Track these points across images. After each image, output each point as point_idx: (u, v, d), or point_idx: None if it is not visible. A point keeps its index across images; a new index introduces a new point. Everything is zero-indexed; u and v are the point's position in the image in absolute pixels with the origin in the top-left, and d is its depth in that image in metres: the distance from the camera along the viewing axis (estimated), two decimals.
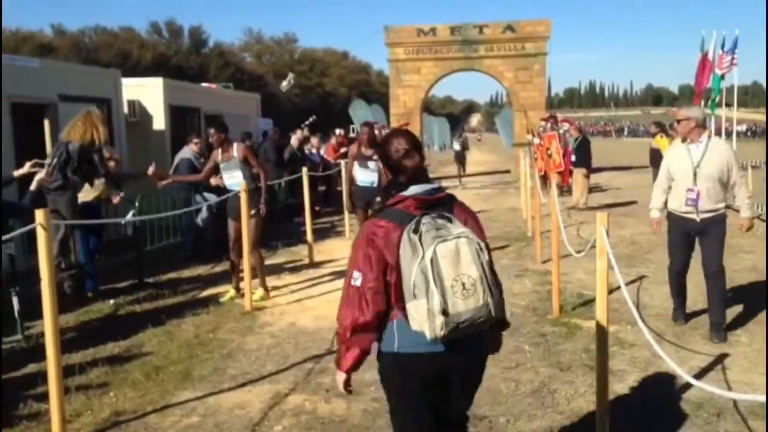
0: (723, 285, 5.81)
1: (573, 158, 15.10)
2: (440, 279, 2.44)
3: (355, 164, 8.37)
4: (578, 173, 14.73)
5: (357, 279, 2.60)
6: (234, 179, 7.31)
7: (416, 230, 2.52)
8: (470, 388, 2.91)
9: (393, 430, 2.85)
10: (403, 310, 2.55)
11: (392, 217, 2.64)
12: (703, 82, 18.91)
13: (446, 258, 2.46)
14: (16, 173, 6.41)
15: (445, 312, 2.42)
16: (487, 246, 2.61)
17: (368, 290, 2.58)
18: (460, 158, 23.72)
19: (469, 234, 2.56)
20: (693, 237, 5.83)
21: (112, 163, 8.23)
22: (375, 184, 8.15)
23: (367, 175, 8.31)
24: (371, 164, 8.21)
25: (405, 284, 2.52)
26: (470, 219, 2.79)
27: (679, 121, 5.74)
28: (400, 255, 2.54)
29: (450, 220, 2.61)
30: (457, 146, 24.20)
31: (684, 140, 5.76)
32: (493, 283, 2.54)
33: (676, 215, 5.85)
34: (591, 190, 18.29)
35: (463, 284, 2.47)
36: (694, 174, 5.61)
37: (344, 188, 8.42)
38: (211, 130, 7.63)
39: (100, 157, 7.35)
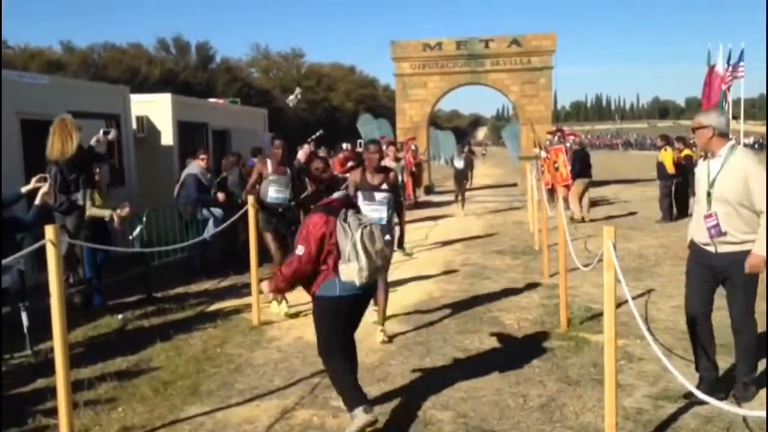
0: (752, 340, 4.64)
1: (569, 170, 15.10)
2: (365, 249, 4.15)
3: (359, 196, 6.30)
4: (576, 186, 14.72)
5: (300, 250, 4.23)
6: (282, 194, 7.55)
7: (345, 220, 4.23)
8: (364, 312, 4.61)
9: (322, 349, 4.41)
10: (336, 269, 4.21)
11: (327, 212, 4.30)
12: (712, 97, 18.89)
13: (366, 237, 4.19)
14: (24, 189, 6.46)
15: (369, 269, 4.15)
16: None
17: (305, 256, 4.22)
18: (461, 179, 18.08)
19: (375, 222, 4.52)
20: (715, 274, 4.62)
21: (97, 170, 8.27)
22: (384, 221, 6.28)
23: (373, 211, 6.24)
24: (379, 196, 6.38)
25: (341, 254, 4.21)
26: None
27: (695, 130, 4.67)
28: (337, 236, 4.21)
29: (360, 213, 4.51)
30: (459, 163, 18.22)
31: (705, 155, 4.72)
32: (388, 248, 4.47)
33: (695, 245, 4.74)
34: (597, 203, 18.28)
35: (377, 251, 4.21)
36: (708, 195, 4.53)
37: None
38: (277, 141, 7.70)
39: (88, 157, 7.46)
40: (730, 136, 4.73)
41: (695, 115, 4.78)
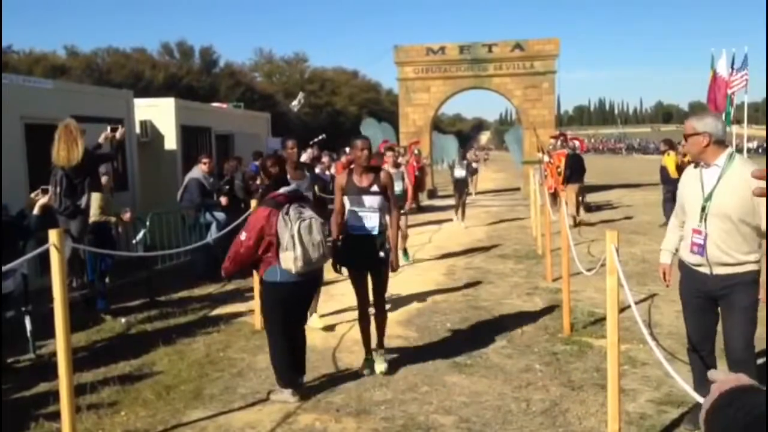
0: (754, 377, 3.71)
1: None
2: (301, 240, 4.66)
3: (346, 202, 5.49)
4: (570, 189, 14.72)
5: (243, 236, 4.81)
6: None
7: (287, 213, 4.74)
8: (310, 301, 5.41)
9: (266, 326, 5.20)
10: (278, 258, 4.73)
11: (272, 205, 4.81)
12: (717, 101, 18.86)
13: (304, 229, 4.70)
14: (35, 210, 6.46)
15: (304, 258, 4.67)
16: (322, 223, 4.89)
17: (247, 242, 4.78)
18: (461, 188, 16.10)
19: (315, 216, 4.86)
20: (712, 300, 4.11)
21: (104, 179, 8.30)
22: (377, 231, 5.41)
23: (364, 219, 5.41)
24: (369, 200, 5.41)
25: (281, 243, 4.71)
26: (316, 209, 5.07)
27: (687, 137, 4.04)
28: (278, 227, 4.71)
29: (305, 208, 4.91)
30: (460, 172, 15.98)
31: (696, 163, 4.10)
32: (326, 243, 4.86)
33: (686, 266, 4.19)
34: (600, 207, 18.27)
35: (313, 243, 4.72)
36: (702, 210, 3.95)
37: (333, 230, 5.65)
38: (290, 142, 6.97)
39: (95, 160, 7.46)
40: (733, 141, 4.54)
41: (686, 121, 4.11)
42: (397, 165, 10.72)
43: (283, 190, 5.01)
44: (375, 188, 5.40)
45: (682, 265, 4.22)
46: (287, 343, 5.00)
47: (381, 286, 5.58)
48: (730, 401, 1.04)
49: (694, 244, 4.00)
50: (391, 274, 5.65)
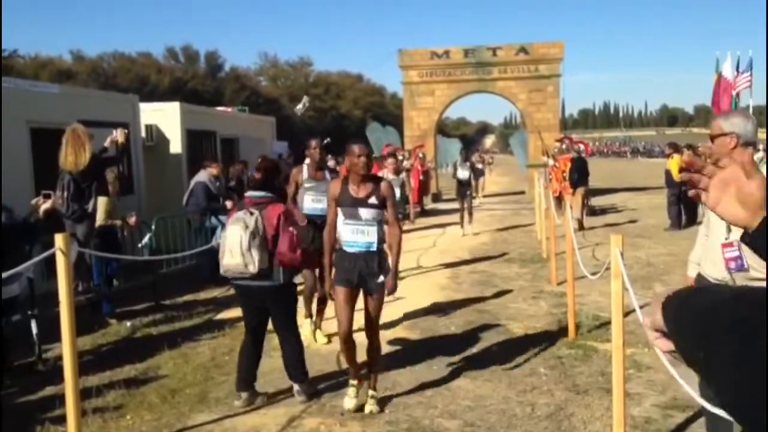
0: None
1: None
2: (224, 245, 4.84)
3: (339, 214, 4.81)
4: (578, 193, 14.71)
5: None
6: (321, 203, 6.38)
7: (235, 217, 4.89)
8: (264, 308, 5.12)
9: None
10: None
11: (240, 208, 5.02)
12: (722, 103, 18.84)
13: (229, 233, 4.82)
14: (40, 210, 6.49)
15: (227, 262, 4.83)
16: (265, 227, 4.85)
17: None
18: (465, 191, 14.61)
19: (248, 221, 4.79)
20: None
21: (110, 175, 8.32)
22: (374, 246, 4.76)
23: (358, 233, 4.76)
24: (366, 213, 4.75)
25: None
26: (281, 216, 4.91)
27: (713, 138, 3.56)
28: None
29: (252, 213, 4.87)
30: (463, 173, 14.59)
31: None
32: (252, 249, 4.77)
33: (706, 281, 3.73)
34: (605, 211, 18.24)
35: (231, 250, 4.77)
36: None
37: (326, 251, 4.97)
38: (313, 141, 6.76)
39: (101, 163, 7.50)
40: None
41: (713, 120, 3.71)
42: (397, 171, 10.12)
43: (249, 194, 5.10)
44: (373, 200, 4.73)
45: (701, 280, 3.80)
46: (251, 347, 5.16)
47: (375, 309, 4.82)
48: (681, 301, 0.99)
49: (729, 260, 3.52)
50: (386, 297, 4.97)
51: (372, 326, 4.87)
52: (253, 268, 4.77)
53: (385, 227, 4.86)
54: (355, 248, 4.73)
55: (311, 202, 6.63)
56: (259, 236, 4.80)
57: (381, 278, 4.76)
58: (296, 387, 5.12)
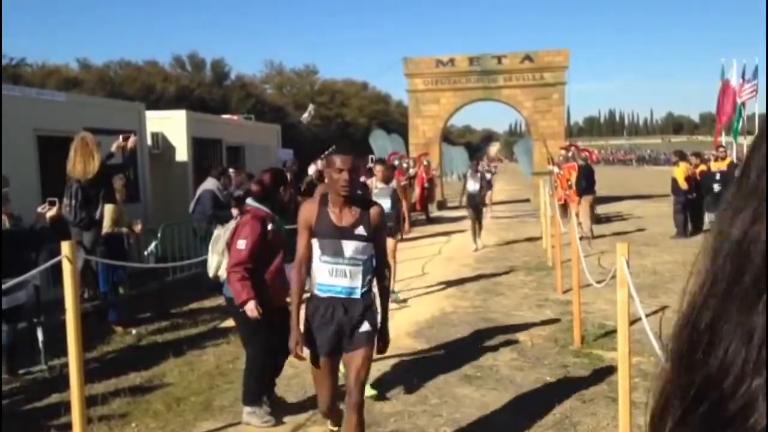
0: None
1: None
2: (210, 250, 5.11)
3: (314, 247, 3.71)
4: (585, 201, 14.69)
5: None
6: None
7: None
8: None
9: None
10: None
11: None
12: (726, 111, 18.81)
13: (213, 240, 5.17)
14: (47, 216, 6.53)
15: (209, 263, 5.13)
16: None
17: None
18: (475, 203, 13.70)
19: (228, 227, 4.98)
20: None
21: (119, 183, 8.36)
22: (358, 293, 3.70)
23: (339, 274, 3.68)
24: (352, 247, 3.69)
25: None
26: (240, 228, 4.69)
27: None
28: None
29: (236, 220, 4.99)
30: (473, 185, 13.68)
31: None
32: (213, 253, 5.13)
33: None
34: (610, 218, 18.21)
35: (217, 252, 5.05)
36: None
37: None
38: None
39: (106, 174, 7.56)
40: (744, 153, 4.30)
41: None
42: (388, 180, 8.52)
43: (247, 201, 5.01)
44: (361, 230, 3.63)
45: None
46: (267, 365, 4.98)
47: (360, 371, 3.69)
48: None
49: None
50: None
51: (356, 391, 3.70)
52: (211, 272, 5.17)
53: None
54: (332, 293, 3.63)
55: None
56: (221, 242, 4.98)
57: (366, 326, 3.67)
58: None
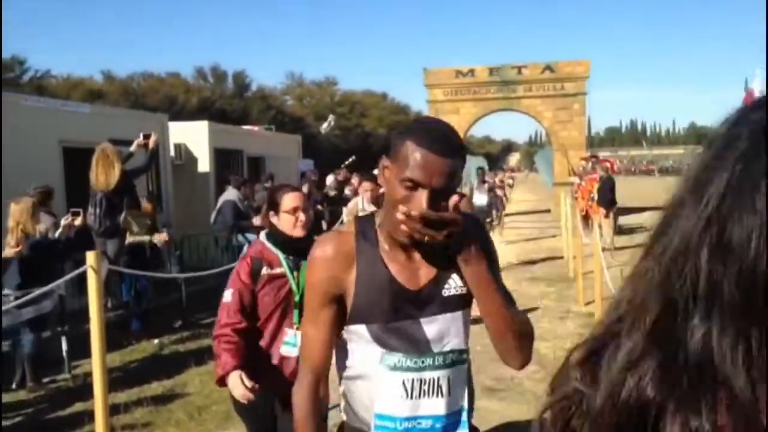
0: None
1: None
2: None
3: (357, 342, 1.81)
4: (609, 213, 14.60)
5: None
6: None
7: None
8: None
9: None
10: None
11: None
12: None
13: None
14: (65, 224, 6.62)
15: None
16: None
17: None
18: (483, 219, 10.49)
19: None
20: None
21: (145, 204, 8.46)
22: (465, 427, 1.91)
23: (409, 398, 1.75)
24: (434, 328, 1.79)
25: None
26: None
27: None
28: None
29: None
30: (480, 198, 12.29)
31: None
32: None
33: None
34: (633, 230, 18.03)
35: None
36: None
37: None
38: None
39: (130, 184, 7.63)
40: None
41: None
42: (377, 201, 5.73)
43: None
44: (451, 288, 1.81)
45: None
46: None
47: None
48: None
49: None
50: None
51: None
52: None
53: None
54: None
55: None
56: None
57: None
58: None
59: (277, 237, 3.14)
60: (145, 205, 8.55)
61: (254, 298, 3.10)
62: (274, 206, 3.15)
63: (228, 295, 3.14)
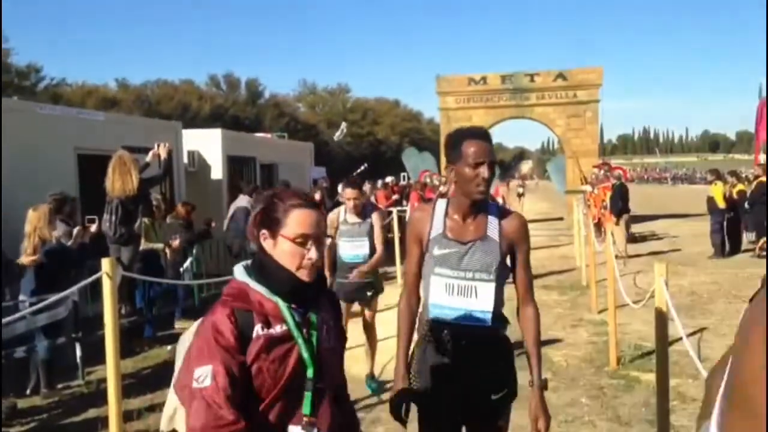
0: None
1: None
2: None
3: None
4: (622, 222, 14.51)
5: None
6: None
7: None
8: None
9: None
10: None
11: None
12: (766, 129, 18.50)
13: None
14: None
15: None
16: None
17: None
18: None
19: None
20: None
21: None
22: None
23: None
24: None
25: None
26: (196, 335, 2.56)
27: None
28: None
29: None
30: None
31: None
32: None
33: None
34: (645, 238, 17.95)
35: None
36: None
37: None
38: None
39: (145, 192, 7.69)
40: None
41: None
42: (362, 212, 5.85)
43: None
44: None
45: None
46: None
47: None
48: None
49: None
50: None
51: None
52: (163, 425, 2.40)
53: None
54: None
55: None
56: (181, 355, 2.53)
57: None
58: None
59: (271, 275, 1.97)
60: (179, 208, 8.60)
61: (245, 375, 1.86)
62: (270, 224, 1.98)
63: (205, 377, 1.82)
